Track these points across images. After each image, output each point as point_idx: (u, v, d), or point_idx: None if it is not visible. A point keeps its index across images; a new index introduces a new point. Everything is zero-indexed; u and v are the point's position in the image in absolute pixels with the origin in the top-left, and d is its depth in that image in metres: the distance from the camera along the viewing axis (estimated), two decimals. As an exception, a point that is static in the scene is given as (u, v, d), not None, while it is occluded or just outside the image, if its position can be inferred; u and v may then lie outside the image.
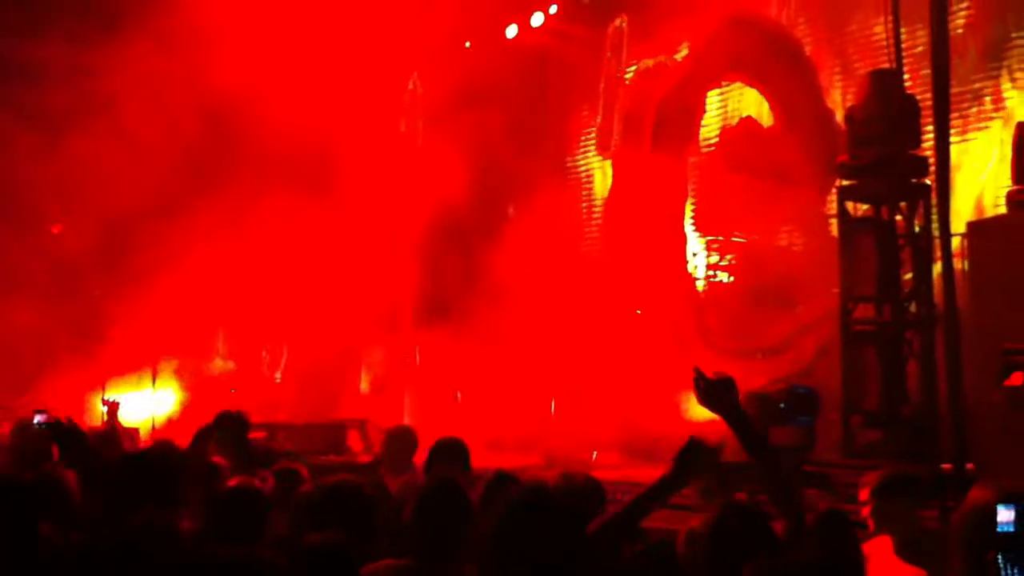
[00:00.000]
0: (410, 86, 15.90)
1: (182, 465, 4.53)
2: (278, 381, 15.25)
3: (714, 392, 3.61)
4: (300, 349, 15.17)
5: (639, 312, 13.17)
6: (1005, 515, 2.47)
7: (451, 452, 5.63)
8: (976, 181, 11.16)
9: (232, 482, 4.50)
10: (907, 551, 4.36)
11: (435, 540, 3.76)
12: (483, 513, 4.45)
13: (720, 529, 3.30)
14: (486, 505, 4.50)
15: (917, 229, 8.56)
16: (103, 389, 9.12)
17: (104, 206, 13.37)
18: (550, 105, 15.34)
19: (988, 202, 11.07)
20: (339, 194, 15.17)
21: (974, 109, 11.23)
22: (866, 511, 4.60)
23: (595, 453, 10.88)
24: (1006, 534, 2.46)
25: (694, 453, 3.51)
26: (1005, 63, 11.23)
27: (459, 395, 14.09)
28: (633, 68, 14.23)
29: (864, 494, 4.65)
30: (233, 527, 4.08)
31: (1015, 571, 2.46)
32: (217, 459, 5.31)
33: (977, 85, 11.20)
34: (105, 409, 7.95)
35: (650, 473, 3.63)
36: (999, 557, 2.48)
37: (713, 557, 3.25)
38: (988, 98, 11.28)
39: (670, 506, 3.63)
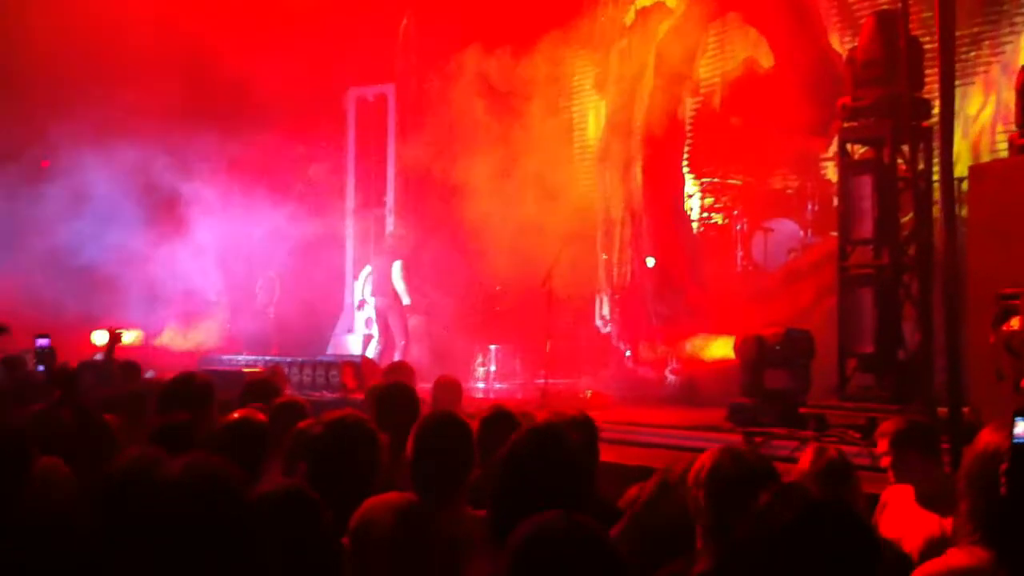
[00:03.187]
0: (403, 27, 15.69)
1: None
2: (271, 316, 15.24)
3: None
4: (293, 284, 15.16)
5: (652, 262, 13.10)
6: (1021, 427, 2.47)
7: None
8: (973, 125, 11.11)
9: (234, 415, 4.48)
10: (926, 499, 4.38)
11: (436, 474, 3.73)
12: (482, 450, 4.45)
13: (716, 473, 3.28)
14: (484, 442, 4.49)
15: (920, 168, 8.47)
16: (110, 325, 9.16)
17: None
18: (544, 45, 15.16)
19: (984, 146, 11.04)
20: (328, 138, 15.09)
21: (972, 54, 11.16)
22: (886, 462, 4.60)
23: (589, 392, 10.92)
24: (1020, 445, 2.46)
25: None
26: (1004, 8, 11.14)
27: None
28: (631, 7, 14.05)
29: (883, 445, 4.65)
30: (235, 459, 4.05)
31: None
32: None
33: (976, 30, 11.12)
34: (107, 338, 7.87)
35: (643, 414, 3.63)
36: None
37: (712, 500, 3.24)
38: (986, 43, 11.21)
39: (681, 448, 3.66)
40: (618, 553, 2.36)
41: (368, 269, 14.81)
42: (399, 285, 13.33)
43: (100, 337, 13.68)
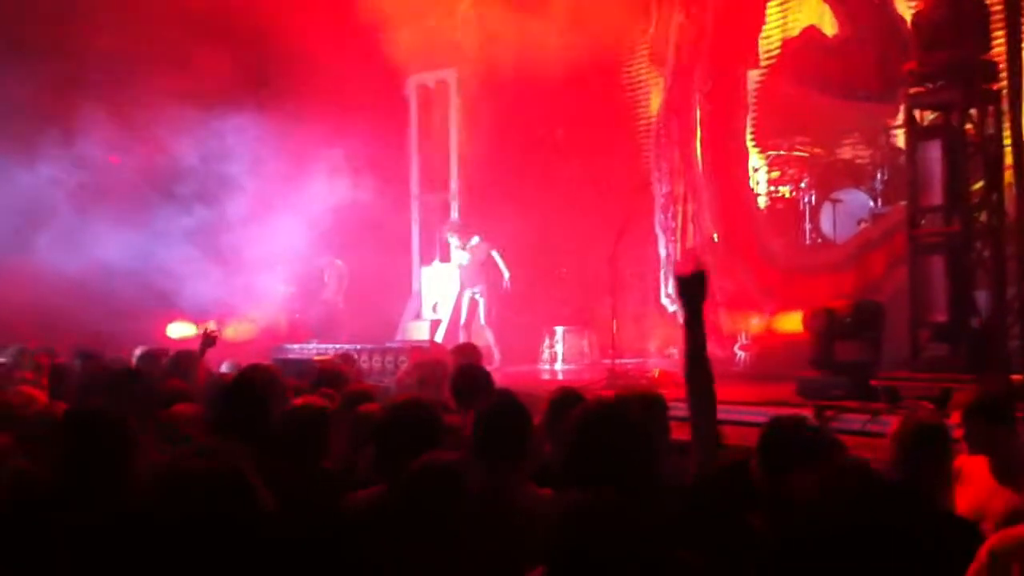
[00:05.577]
0: (462, 11, 15.68)
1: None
2: (340, 304, 15.40)
3: (689, 286, 3.57)
4: (360, 272, 15.29)
5: (716, 239, 12.97)
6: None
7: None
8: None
9: (296, 402, 4.56)
10: (1002, 472, 4.31)
11: (495, 451, 3.76)
12: (550, 429, 4.47)
13: (767, 442, 3.30)
14: (552, 422, 4.51)
15: (990, 132, 8.26)
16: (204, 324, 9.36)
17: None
18: (600, 19, 15.03)
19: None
20: (390, 124, 15.16)
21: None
22: (959, 433, 4.53)
23: (657, 371, 10.88)
24: None
25: (688, 284, 3.54)
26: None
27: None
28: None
29: (956, 417, 4.58)
30: (296, 443, 4.15)
31: None
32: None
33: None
34: (200, 337, 7.96)
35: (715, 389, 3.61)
36: None
37: (764, 469, 3.24)
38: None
39: (749, 424, 3.65)
40: (644, 528, 2.42)
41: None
42: (504, 269, 13.55)
43: (177, 330, 13.96)
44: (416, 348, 12.45)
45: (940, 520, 3.34)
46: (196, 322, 13.34)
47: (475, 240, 13.91)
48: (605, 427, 3.17)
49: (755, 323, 11.83)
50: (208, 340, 7.80)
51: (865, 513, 2.22)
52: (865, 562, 2.16)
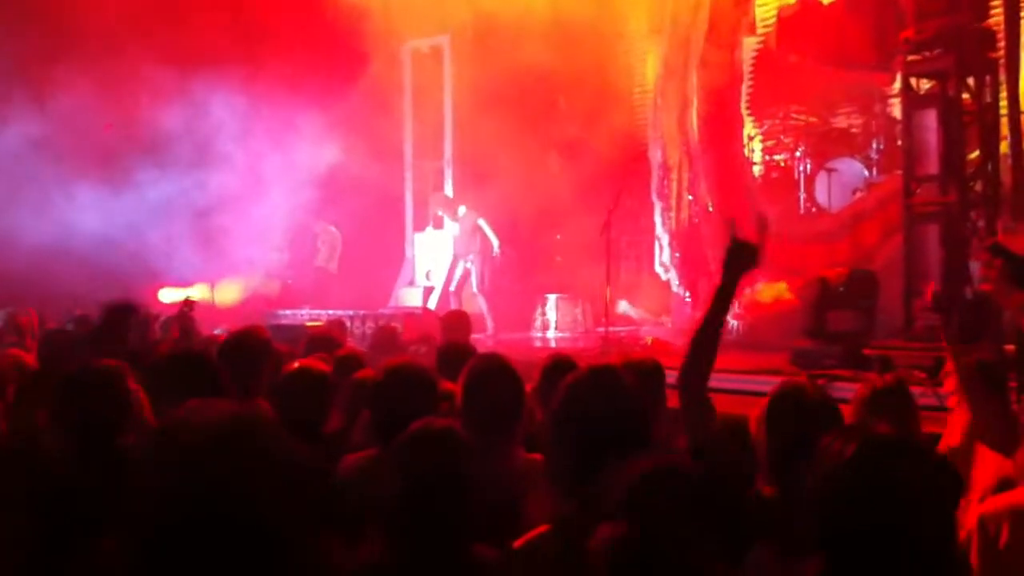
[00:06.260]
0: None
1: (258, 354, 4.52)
2: (333, 270, 15.38)
3: (743, 256, 3.43)
4: (353, 238, 15.26)
5: (711, 208, 12.95)
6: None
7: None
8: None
9: (294, 364, 4.53)
10: (992, 439, 4.32)
11: (486, 415, 3.74)
12: (542, 396, 4.45)
13: (775, 408, 3.27)
14: (544, 389, 4.49)
15: (987, 101, 8.24)
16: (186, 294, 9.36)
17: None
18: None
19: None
20: (379, 85, 15.06)
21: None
22: (952, 401, 4.55)
23: (650, 339, 10.88)
24: None
25: (737, 252, 3.40)
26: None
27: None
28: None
29: (949, 384, 4.59)
30: (299, 407, 4.13)
31: None
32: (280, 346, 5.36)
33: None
34: (180, 304, 8.05)
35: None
36: None
37: (770, 437, 3.22)
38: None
39: (742, 392, 3.62)
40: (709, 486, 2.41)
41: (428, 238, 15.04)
42: (492, 237, 13.49)
43: (167, 295, 13.93)
44: (409, 314, 12.45)
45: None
46: (186, 287, 13.32)
47: (462, 210, 13.87)
48: (598, 393, 3.14)
49: (748, 292, 11.83)
50: (187, 306, 7.94)
51: (896, 474, 2.20)
52: (888, 522, 2.15)
